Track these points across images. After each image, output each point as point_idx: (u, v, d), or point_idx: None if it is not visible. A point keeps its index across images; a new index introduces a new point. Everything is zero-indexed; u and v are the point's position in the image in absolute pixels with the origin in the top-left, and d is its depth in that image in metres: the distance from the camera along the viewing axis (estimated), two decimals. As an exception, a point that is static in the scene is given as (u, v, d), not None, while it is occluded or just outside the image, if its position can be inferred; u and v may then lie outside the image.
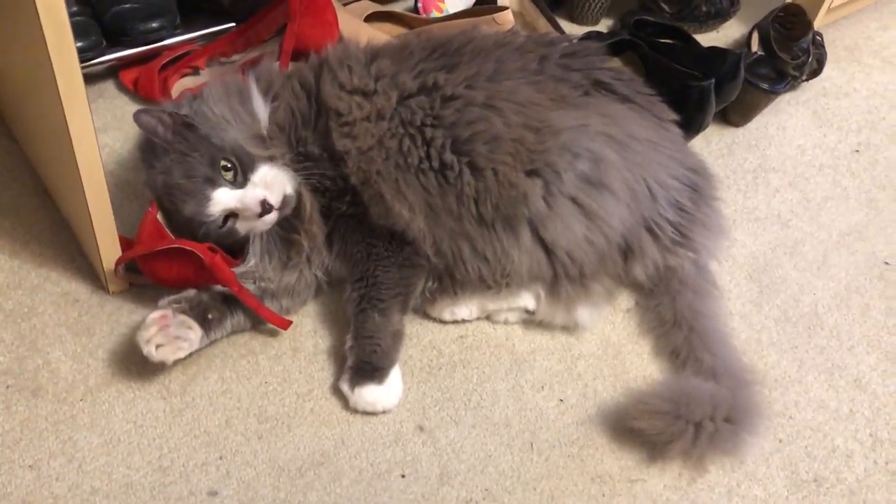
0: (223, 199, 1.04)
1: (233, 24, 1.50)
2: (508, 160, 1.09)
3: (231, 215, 1.06)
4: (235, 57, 1.48)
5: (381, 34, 1.46)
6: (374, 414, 1.07)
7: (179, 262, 1.05)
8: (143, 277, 1.12)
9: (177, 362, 1.05)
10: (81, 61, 0.94)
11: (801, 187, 1.46)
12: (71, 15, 0.90)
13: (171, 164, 1.05)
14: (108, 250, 1.10)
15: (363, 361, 1.08)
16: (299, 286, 1.15)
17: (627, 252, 1.16)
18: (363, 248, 1.12)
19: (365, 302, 1.10)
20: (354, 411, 1.07)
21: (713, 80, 1.39)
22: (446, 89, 1.12)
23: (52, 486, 0.98)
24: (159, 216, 1.06)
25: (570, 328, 1.18)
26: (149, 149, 1.09)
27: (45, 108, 1.00)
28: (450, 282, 1.15)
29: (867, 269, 1.33)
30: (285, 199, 1.06)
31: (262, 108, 1.12)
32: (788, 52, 1.55)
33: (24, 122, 1.26)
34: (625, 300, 1.24)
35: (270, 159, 1.08)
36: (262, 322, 1.13)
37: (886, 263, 1.34)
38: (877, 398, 1.16)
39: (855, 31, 1.84)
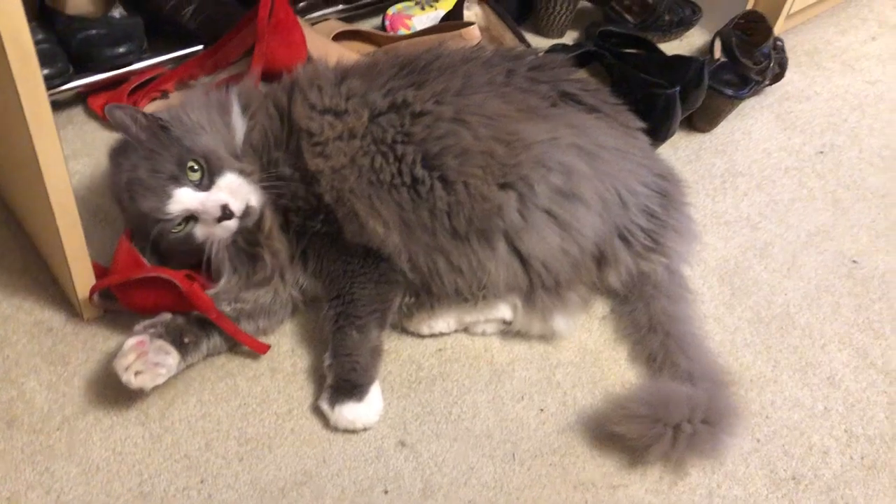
0: (184, 198, 1.03)
1: (200, 47, 1.50)
2: (479, 173, 1.10)
3: (190, 218, 1.05)
4: (205, 79, 1.48)
5: (350, 53, 1.47)
6: (354, 432, 1.07)
7: (157, 291, 1.05)
8: (119, 303, 1.12)
9: (154, 387, 1.04)
10: (48, 88, 0.94)
11: (769, 190, 1.49)
12: (36, 42, 0.90)
13: (138, 160, 1.05)
14: (82, 277, 1.09)
15: (342, 379, 1.08)
16: (275, 306, 1.15)
17: (601, 260, 1.17)
18: (339, 266, 1.12)
19: (342, 319, 1.10)
20: (335, 430, 1.07)
21: (678, 88, 1.42)
22: (415, 106, 1.13)
23: (31, 518, 0.97)
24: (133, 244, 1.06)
25: (547, 337, 1.19)
26: (120, 150, 1.09)
27: (13, 136, 1.00)
28: (426, 296, 1.15)
29: (836, 267, 1.36)
30: (248, 210, 1.06)
31: (239, 123, 1.13)
32: (751, 58, 1.58)
33: (-9, 152, 1.25)
34: (600, 307, 1.25)
35: (241, 171, 1.08)
36: (239, 344, 1.12)
37: (854, 262, 1.37)
38: (850, 394, 1.17)
39: (814, 36, 1.88)
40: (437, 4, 1.69)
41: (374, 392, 1.09)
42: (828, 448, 1.11)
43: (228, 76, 1.44)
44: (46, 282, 1.19)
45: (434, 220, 1.10)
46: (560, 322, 1.18)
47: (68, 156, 0.99)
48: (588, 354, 1.19)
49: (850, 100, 1.72)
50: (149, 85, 1.45)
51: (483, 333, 1.19)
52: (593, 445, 1.08)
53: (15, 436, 1.03)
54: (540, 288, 1.15)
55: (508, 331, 1.19)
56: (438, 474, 1.04)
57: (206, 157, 1.05)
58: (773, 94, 1.69)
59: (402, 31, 1.64)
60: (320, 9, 1.62)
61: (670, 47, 1.74)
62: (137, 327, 1.06)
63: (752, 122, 1.62)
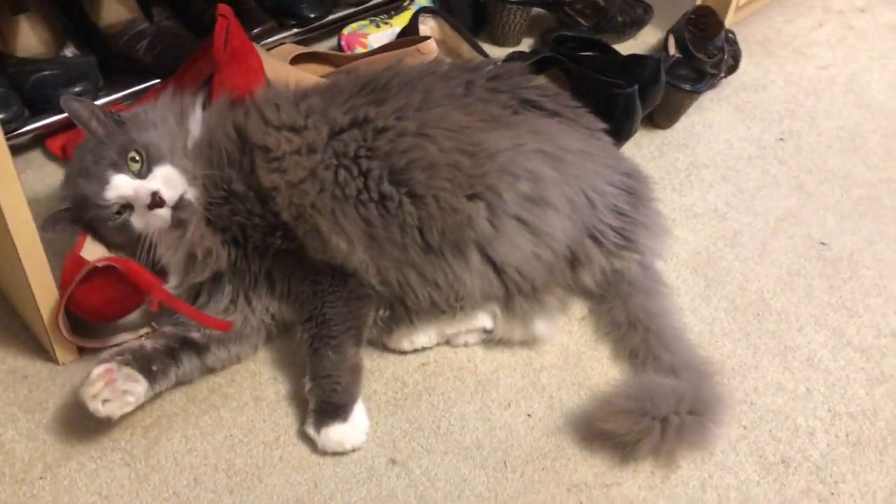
0: (120, 185, 1.06)
1: (158, 81, 1.49)
2: (447, 186, 1.10)
3: (127, 207, 1.07)
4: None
5: (309, 75, 1.46)
6: (344, 453, 1.06)
7: (102, 286, 1.05)
8: (92, 340, 1.11)
9: (137, 425, 1.03)
10: (5, 133, 0.93)
11: (733, 180, 1.51)
12: (-11, 88, 0.89)
13: (87, 150, 1.10)
14: (53, 320, 1.08)
15: (325, 402, 1.07)
16: (245, 330, 1.14)
17: (574, 261, 1.18)
18: (307, 287, 1.11)
19: (317, 342, 1.09)
20: (324, 453, 1.06)
21: (637, 87, 1.43)
22: (378, 122, 1.13)
23: (20, 571, 0.94)
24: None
25: (529, 342, 1.19)
26: (80, 145, 1.13)
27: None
28: (403, 310, 1.14)
29: (805, 251, 1.38)
30: (183, 201, 1.08)
31: (195, 128, 1.14)
32: (705, 52, 1.60)
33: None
34: (578, 309, 1.25)
35: (182, 168, 1.09)
36: (211, 371, 1.12)
37: (823, 244, 1.39)
38: (830, 374, 1.19)
39: (764, 26, 1.91)
40: (391, 21, 1.70)
41: (359, 411, 1.08)
42: (813, 429, 1.12)
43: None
44: (17, 328, 1.17)
45: (404, 235, 1.10)
46: (541, 326, 1.18)
47: (30, 199, 0.98)
48: (571, 356, 1.19)
49: (804, 86, 1.75)
50: (108, 122, 1.43)
51: (465, 344, 1.19)
52: (583, 446, 1.08)
53: (-3, 488, 1.01)
54: (517, 294, 1.15)
55: (490, 339, 1.19)
56: (432, 489, 1.04)
57: (146, 147, 1.08)
58: (729, 86, 1.71)
59: (359, 50, 1.64)
60: (275, 33, 1.62)
61: (625, 47, 1.76)
62: (104, 355, 1.04)
63: (712, 114, 1.65)
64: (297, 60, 1.55)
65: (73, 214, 1.10)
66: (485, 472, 1.06)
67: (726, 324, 1.25)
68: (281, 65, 1.48)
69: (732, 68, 1.70)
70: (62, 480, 1.02)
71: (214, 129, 1.14)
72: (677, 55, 1.60)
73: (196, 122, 1.15)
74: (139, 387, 1.02)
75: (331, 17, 1.68)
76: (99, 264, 1.04)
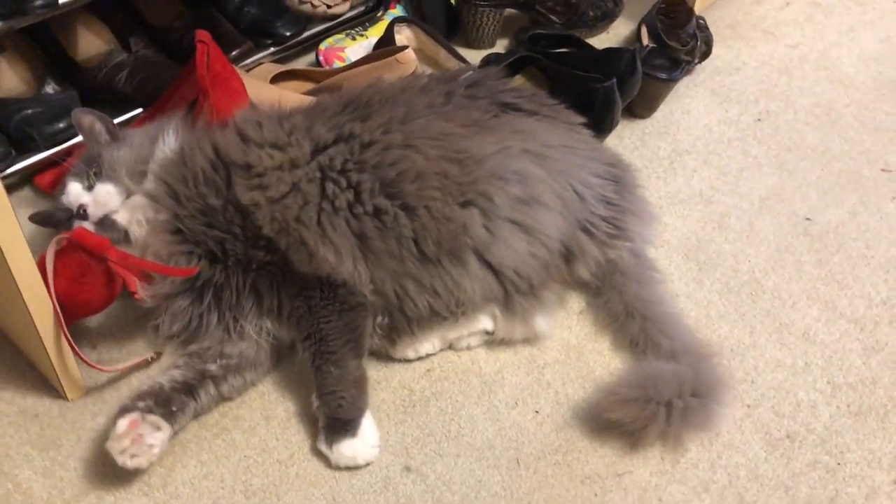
0: (70, 191, 1.18)
1: (140, 110, 1.50)
2: (438, 195, 1.11)
3: (79, 214, 1.16)
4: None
5: (290, 93, 1.48)
6: (357, 468, 1.07)
7: (63, 265, 1.07)
8: (103, 366, 1.12)
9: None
10: (-7, 174, 0.94)
11: (716, 163, 1.53)
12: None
13: (80, 157, 1.21)
14: (59, 355, 1.08)
15: (332, 418, 1.08)
16: (260, 357, 1.15)
17: (569, 256, 1.20)
18: (302, 303, 1.11)
19: (318, 359, 1.10)
20: (339, 469, 1.07)
21: (614, 80, 1.46)
22: (364, 136, 1.15)
23: None
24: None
25: (531, 339, 1.21)
26: None
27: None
28: (404, 319, 1.15)
29: (791, 227, 1.40)
30: (108, 220, 1.15)
31: (168, 148, 1.19)
32: (678, 40, 1.63)
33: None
34: (576, 303, 1.27)
35: (126, 189, 1.16)
36: (227, 400, 1.13)
37: (808, 219, 1.42)
38: (826, 347, 1.22)
39: (733, 10, 1.94)
40: (366, 33, 1.71)
41: (367, 423, 1.08)
42: (815, 402, 1.15)
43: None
44: (22, 368, 1.17)
45: (401, 247, 1.11)
46: (541, 322, 1.20)
47: (27, 237, 0.99)
48: (572, 350, 1.21)
49: (776, 65, 1.78)
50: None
51: (468, 347, 1.21)
52: (593, 438, 1.10)
53: (18, 529, 1.02)
54: (516, 294, 1.17)
55: (492, 340, 1.21)
56: (448, 493, 1.05)
57: (101, 164, 1.17)
58: (704, 71, 1.74)
59: (338, 64, 1.65)
60: (253, 54, 1.63)
61: (599, 41, 1.79)
62: (126, 403, 1.05)
63: (689, 100, 1.67)
64: (277, 79, 1.57)
65: (54, 214, 1.22)
66: (498, 471, 1.07)
67: (721, 306, 1.28)
68: (264, 86, 1.49)
69: (706, 54, 1.73)
70: (82, 515, 1.03)
71: (191, 149, 1.16)
72: (651, 45, 1.62)
73: (170, 142, 1.19)
74: (163, 434, 1.03)
75: (306, 34, 1.70)
76: (54, 247, 1.07)
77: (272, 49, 1.66)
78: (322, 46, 1.69)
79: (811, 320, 1.25)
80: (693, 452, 1.09)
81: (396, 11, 1.77)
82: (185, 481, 1.06)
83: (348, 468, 1.07)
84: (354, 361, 1.11)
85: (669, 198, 1.46)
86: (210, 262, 1.11)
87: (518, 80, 1.59)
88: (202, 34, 1.32)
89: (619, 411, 1.07)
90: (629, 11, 1.84)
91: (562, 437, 1.11)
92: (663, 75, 1.58)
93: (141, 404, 1.04)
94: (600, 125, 1.45)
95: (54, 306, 1.05)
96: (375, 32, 1.70)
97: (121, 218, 1.15)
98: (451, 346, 1.21)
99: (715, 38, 1.77)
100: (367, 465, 1.07)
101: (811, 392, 1.16)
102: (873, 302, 1.28)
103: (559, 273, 1.21)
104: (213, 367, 1.11)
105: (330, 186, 1.12)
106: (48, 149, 1.42)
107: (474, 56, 1.71)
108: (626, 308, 1.22)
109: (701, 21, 1.73)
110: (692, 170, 1.52)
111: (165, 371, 1.10)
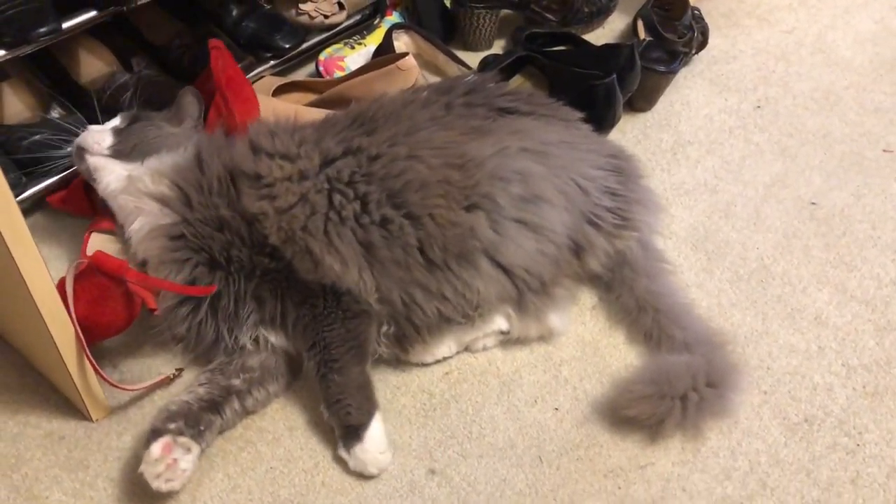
0: (92, 127, 1.29)
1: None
2: (441, 202, 1.13)
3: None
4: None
5: (293, 105, 1.49)
6: (371, 474, 1.08)
7: (82, 289, 1.08)
8: (126, 384, 1.13)
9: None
10: (6, 200, 0.95)
11: (719, 152, 1.54)
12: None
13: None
14: (83, 377, 1.10)
15: (343, 426, 1.09)
16: (281, 368, 1.16)
17: (578, 250, 1.21)
18: (307, 311, 1.12)
19: (323, 367, 1.11)
20: (360, 475, 1.08)
21: (614, 75, 1.47)
22: (371, 150, 1.17)
23: None
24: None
25: (546, 337, 1.22)
26: None
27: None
28: (412, 327, 1.15)
29: (797, 212, 1.41)
30: (91, 171, 1.26)
31: (173, 157, 1.22)
32: (674, 32, 1.64)
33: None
34: (588, 299, 1.29)
35: (129, 171, 1.21)
36: (251, 414, 1.14)
37: (813, 203, 1.43)
38: (839, 329, 1.23)
39: (726, -2, 1.95)
40: (365, 41, 1.72)
41: (374, 427, 1.08)
42: (830, 385, 1.16)
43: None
44: (47, 392, 1.19)
45: (407, 255, 1.13)
46: (555, 319, 1.21)
47: (45, 259, 1.00)
48: (588, 346, 1.22)
49: (773, 51, 1.79)
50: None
51: (484, 348, 1.22)
52: (613, 431, 1.11)
53: (51, 551, 1.03)
54: (528, 292, 1.18)
55: (508, 340, 1.22)
56: (473, 493, 1.06)
57: (151, 137, 1.25)
58: (702, 62, 1.75)
59: (338, 74, 1.66)
60: (254, 68, 1.64)
61: (596, 37, 1.80)
62: (156, 424, 1.05)
63: (689, 91, 1.68)
64: (279, 91, 1.58)
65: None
66: (522, 469, 1.08)
67: (732, 294, 1.29)
68: (264, 98, 1.50)
69: (702, 44, 1.74)
70: (114, 534, 1.04)
71: (210, 157, 1.18)
72: (648, 39, 1.63)
73: (176, 154, 1.21)
74: (193, 455, 1.04)
75: (305, 45, 1.71)
76: (73, 271, 1.08)
77: (272, 62, 1.67)
78: (322, 57, 1.70)
79: (822, 304, 1.26)
80: (713, 441, 1.10)
81: (393, 18, 1.78)
82: (214, 495, 1.07)
83: (366, 473, 1.08)
84: (357, 367, 1.12)
85: (674, 189, 1.47)
86: (209, 270, 1.13)
87: (517, 80, 1.60)
88: (215, 42, 1.34)
89: (634, 409, 1.08)
90: (624, 6, 1.85)
91: (582, 432, 1.12)
92: (662, 68, 1.59)
93: (172, 426, 1.05)
94: (602, 121, 1.46)
95: (76, 329, 1.06)
96: (374, 40, 1.71)
97: (112, 183, 1.22)
98: (467, 349, 1.22)
99: (710, 27, 1.79)
100: (380, 470, 1.08)
101: (826, 375, 1.17)
102: (883, 282, 1.29)
103: (570, 268, 1.22)
104: (237, 382, 1.12)
105: (337, 197, 1.13)
106: (59, 173, 1.43)
107: (472, 58, 1.72)
108: (637, 302, 1.23)
109: (696, 12, 1.75)
110: (695, 160, 1.53)
111: (190, 389, 1.11)
